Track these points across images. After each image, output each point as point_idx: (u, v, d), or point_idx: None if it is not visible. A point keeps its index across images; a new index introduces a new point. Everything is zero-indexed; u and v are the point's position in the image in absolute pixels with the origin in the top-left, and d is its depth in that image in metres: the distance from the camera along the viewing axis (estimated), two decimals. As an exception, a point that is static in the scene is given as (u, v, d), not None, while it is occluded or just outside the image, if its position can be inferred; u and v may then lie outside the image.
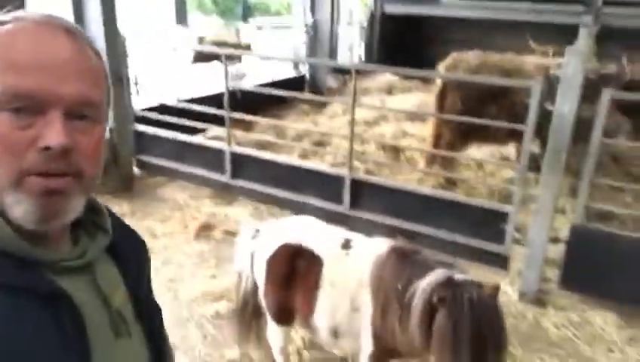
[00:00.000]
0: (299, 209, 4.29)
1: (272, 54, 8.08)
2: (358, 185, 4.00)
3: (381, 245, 2.11)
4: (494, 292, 1.70)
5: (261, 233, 2.41)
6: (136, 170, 5.11)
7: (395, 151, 6.01)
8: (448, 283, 1.72)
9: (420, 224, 3.84)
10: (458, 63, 5.19)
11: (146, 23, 8.92)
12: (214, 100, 4.97)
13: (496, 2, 9.38)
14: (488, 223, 3.59)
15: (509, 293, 3.53)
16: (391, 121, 7.37)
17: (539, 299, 3.44)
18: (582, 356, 3.01)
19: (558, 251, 3.59)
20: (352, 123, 3.99)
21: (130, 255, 0.86)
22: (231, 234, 4.08)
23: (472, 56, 5.26)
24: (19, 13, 0.69)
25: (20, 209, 0.66)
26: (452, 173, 5.06)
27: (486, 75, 4.81)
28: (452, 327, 1.59)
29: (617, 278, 3.26)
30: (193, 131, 4.96)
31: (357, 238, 2.27)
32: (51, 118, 0.66)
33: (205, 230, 4.08)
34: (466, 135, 5.07)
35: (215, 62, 5.88)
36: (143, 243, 0.96)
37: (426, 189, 4.01)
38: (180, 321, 3.04)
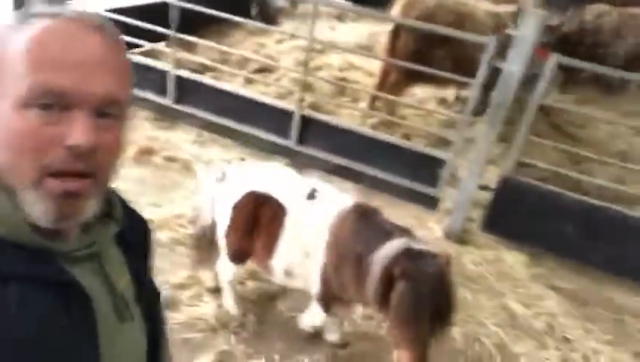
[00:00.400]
0: (244, 139, 4.28)
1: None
2: (306, 121, 4.03)
3: (345, 201, 2.20)
4: (448, 261, 1.83)
5: (228, 177, 2.43)
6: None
7: (341, 85, 6.00)
8: (408, 254, 1.81)
9: (361, 163, 3.99)
10: (414, 4, 5.15)
11: None
12: (154, 11, 4.56)
13: None
14: (424, 166, 3.80)
15: (435, 231, 3.84)
16: (339, 51, 7.27)
17: (461, 238, 3.77)
18: (493, 290, 3.39)
19: (484, 196, 3.89)
20: (309, 57, 3.93)
21: (135, 239, 0.88)
22: (172, 160, 4.03)
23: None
24: (53, 9, 0.70)
25: (38, 208, 0.68)
26: (393, 112, 5.20)
27: (441, 19, 4.82)
28: (413, 300, 1.70)
29: (531, 225, 3.63)
30: (130, 46, 4.64)
31: (323, 190, 2.32)
32: (78, 116, 0.67)
33: (145, 154, 3.99)
34: (413, 77, 5.15)
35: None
36: (147, 227, 0.98)
37: (368, 130, 4.12)
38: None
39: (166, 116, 4.55)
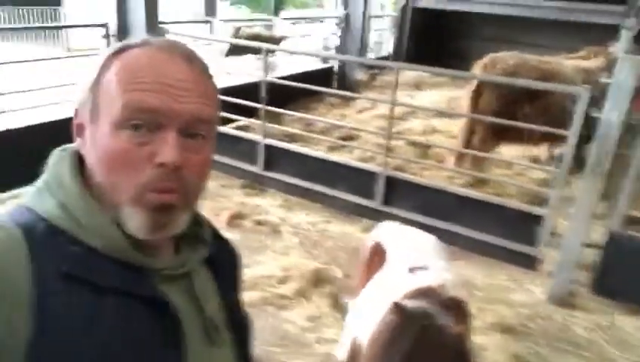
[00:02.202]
0: (329, 202, 4.35)
1: (305, 50, 8.10)
2: (391, 182, 4.03)
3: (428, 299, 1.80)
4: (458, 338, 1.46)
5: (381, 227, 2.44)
6: (169, 158, 5.21)
7: (424, 147, 6.01)
8: (421, 295, 1.61)
9: (451, 223, 3.86)
10: (495, 63, 5.15)
11: (176, 12, 9.05)
12: (245, 91, 5.00)
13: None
14: (521, 224, 3.59)
15: (536, 294, 3.54)
16: (419, 116, 7.36)
17: (567, 302, 3.43)
18: (610, 359, 3.01)
19: (590, 255, 3.57)
20: (391, 120, 4.02)
21: (225, 266, 0.91)
22: (261, 224, 4.17)
23: (509, 57, 5.22)
24: (146, 38, 0.76)
25: (135, 221, 0.71)
26: (482, 171, 5.05)
27: (524, 77, 4.76)
28: (388, 342, 1.47)
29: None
30: (224, 121, 5.02)
31: (428, 272, 2.00)
32: (167, 136, 0.70)
33: (237, 219, 4.16)
34: (499, 134, 5.05)
35: (248, 54, 5.95)
36: (237, 255, 1.00)
37: (459, 189, 4.02)
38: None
39: (256, 183, 4.77)
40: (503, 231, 3.68)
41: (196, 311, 0.79)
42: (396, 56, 10.23)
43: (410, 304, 1.54)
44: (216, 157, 4.74)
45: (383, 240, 2.26)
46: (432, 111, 7.05)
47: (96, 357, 0.65)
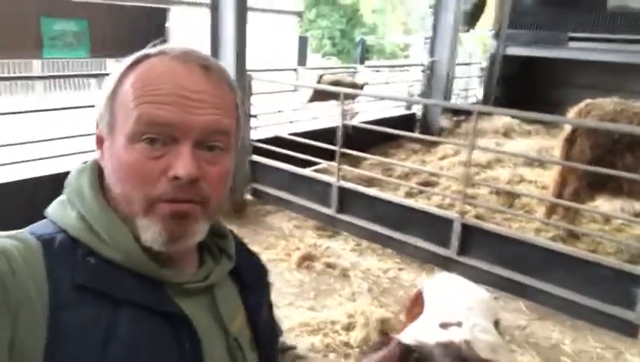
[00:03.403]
0: (401, 249, 4.20)
1: (386, 94, 8.18)
2: (468, 230, 3.81)
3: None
4: None
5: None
6: (249, 197, 5.39)
7: (510, 197, 5.67)
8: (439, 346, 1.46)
9: (534, 278, 3.54)
10: (591, 109, 4.81)
11: (270, 63, 9.62)
12: (326, 135, 5.11)
13: (627, 45, 8.66)
14: (617, 285, 3.19)
15: (638, 367, 3.08)
16: (507, 165, 7.01)
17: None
18: None
19: None
20: (469, 164, 3.85)
21: (252, 279, 0.88)
22: (331, 267, 4.10)
23: (607, 103, 4.85)
24: (162, 47, 0.74)
25: (150, 232, 0.70)
26: (575, 225, 4.63)
27: (625, 122, 4.38)
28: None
29: None
30: (305, 164, 5.12)
31: (460, 329, 1.84)
32: (181, 149, 0.69)
33: (307, 260, 4.13)
34: (595, 186, 4.64)
35: (330, 100, 6.10)
36: (264, 267, 0.97)
37: (546, 241, 3.69)
38: (275, 348, 3.07)
39: (329, 225, 4.74)
40: (596, 291, 3.29)
41: (219, 328, 0.77)
42: (484, 103, 9.97)
43: (412, 342, 1.42)
44: (292, 198, 4.85)
45: (426, 290, 2.11)
46: (518, 157, 6.69)
47: None
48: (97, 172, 0.77)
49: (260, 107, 5.67)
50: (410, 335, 1.89)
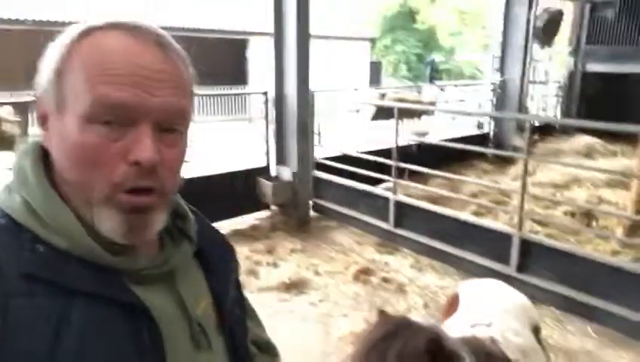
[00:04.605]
0: (460, 265, 4.12)
1: (450, 109, 8.08)
2: (528, 246, 3.67)
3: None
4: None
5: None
6: (312, 212, 5.56)
7: (587, 218, 5.34)
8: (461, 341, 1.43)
9: (602, 299, 3.33)
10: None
11: (343, 85, 9.88)
12: (388, 154, 5.15)
13: None
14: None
15: None
16: (586, 186, 6.61)
17: None
18: None
19: None
20: (525, 175, 3.75)
21: (217, 261, 0.84)
22: (388, 281, 4.12)
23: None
24: (111, 19, 0.68)
25: (108, 224, 0.67)
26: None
27: None
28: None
29: None
30: (369, 181, 5.18)
31: (489, 329, 1.81)
32: (141, 132, 0.65)
33: (364, 274, 4.19)
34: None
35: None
36: (231, 248, 0.93)
37: (613, 259, 3.47)
38: (325, 355, 3.15)
39: (388, 241, 4.77)
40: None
41: (182, 314, 0.73)
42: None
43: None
44: (354, 214, 4.95)
45: (462, 292, 2.10)
46: (599, 178, 6.29)
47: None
48: (41, 153, 0.71)
49: (324, 126, 5.87)
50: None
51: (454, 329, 1.86)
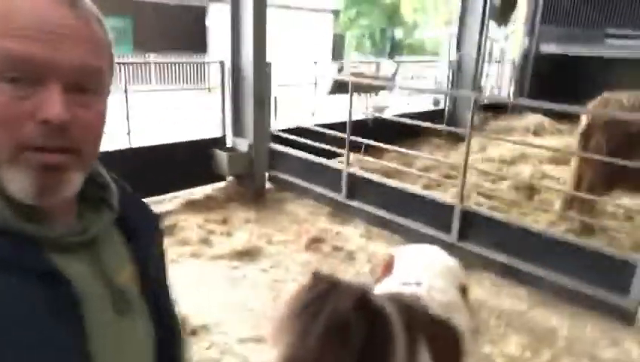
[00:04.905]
0: (407, 234, 4.31)
1: (404, 85, 8.23)
2: (468, 217, 3.89)
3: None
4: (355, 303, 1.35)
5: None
6: (268, 184, 5.63)
7: (530, 191, 5.65)
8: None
9: (534, 265, 3.59)
10: (608, 103, 4.76)
11: (305, 57, 9.85)
12: (344, 127, 5.26)
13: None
14: (615, 273, 3.21)
15: (632, 353, 3.08)
16: (532, 162, 6.94)
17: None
18: None
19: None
20: (467, 149, 3.93)
21: (140, 230, 0.83)
22: (338, 250, 4.27)
23: (625, 96, 4.79)
24: None
25: (17, 184, 0.64)
26: (591, 218, 4.59)
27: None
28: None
29: None
30: (325, 154, 5.28)
31: (418, 287, 1.96)
32: (50, 90, 0.63)
33: (315, 243, 4.32)
34: (611, 179, 4.59)
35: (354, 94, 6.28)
36: (155, 217, 0.91)
37: (544, 228, 3.73)
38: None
39: (340, 211, 4.91)
40: (594, 278, 3.31)
41: (104, 283, 0.72)
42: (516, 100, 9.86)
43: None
44: (309, 186, 5.05)
45: (397, 256, 2.26)
46: (541, 153, 6.62)
47: None
48: None
49: (281, 99, 5.90)
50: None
51: (387, 288, 2.01)
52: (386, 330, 1.40)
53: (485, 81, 9.26)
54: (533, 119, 8.92)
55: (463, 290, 2.19)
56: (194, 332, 3.03)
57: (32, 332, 0.60)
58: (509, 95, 10.07)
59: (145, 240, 0.83)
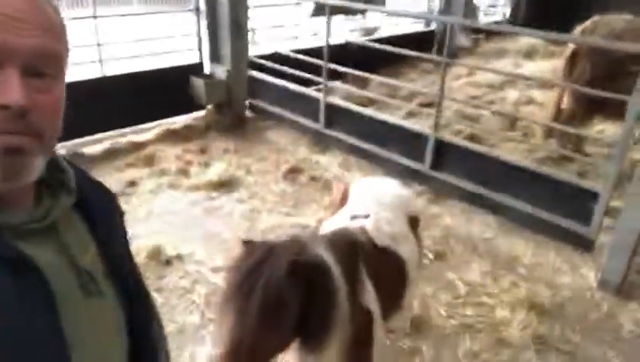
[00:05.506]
0: (383, 164, 4.34)
1: (395, 10, 7.89)
2: (442, 146, 3.90)
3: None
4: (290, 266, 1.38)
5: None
6: (248, 113, 5.57)
7: (512, 119, 5.61)
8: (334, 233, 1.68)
9: (502, 194, 3.65)
10: (597, 26, 4.60)
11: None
12: (330, 53, 5.06)
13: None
14: (575, 201, 3.28)
15: (588, 279, 3.24)
16: (518, 87, 6.82)
17: (621, 291, 3.10)
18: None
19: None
20: (443, 80, 3.86)
21: (100, 211, 0.84)
22: (315, 179, 4.32)
23: (616, 20, 4.61)
24: None
25: None
26: (574, 148, 4.60)
27: (633, 41, 4.15)
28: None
29: None
30: (306, 82, 5.14)
31: (365, 220, 2.02)
32: (8, 75, 0.62)
33: (293, 173, 4.36)
34: (591, 107, 4.55)
35: (339, 16, 5.98)
36: (113, 197, 0.93)
37: (510, 158, 3.75)
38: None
39: (319, 141, 4.91)
40: (558, 207, 3.39)
41: (69, 264, 0.73)
42: (513, 21, 9.46)
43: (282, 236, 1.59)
44: (288, 115, 5.00)
45: (352, 188, 2.30)
46: (528, 79, 6.49)
47: None
48: None
49: (260, 22, 5.67)
50: (323, 226, 2.12)
51: (335, 222, 2.07)
52: (324, 285, 1.44)
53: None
54: (526, 41, 8.64)
55: (415, 221, 2.25)
56: (168, 262, 3.15)
57: (11, 318, 0.62)
58: (504, 15, 9.68)
59: (105, 221, 0.84)
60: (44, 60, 0.66)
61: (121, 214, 0.93)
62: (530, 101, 6.35)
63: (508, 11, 9.66)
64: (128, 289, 0.84)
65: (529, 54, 8.45)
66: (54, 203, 0.75)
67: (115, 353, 0.81)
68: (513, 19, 9.49)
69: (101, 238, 0.81)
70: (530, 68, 7.67)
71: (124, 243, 0.92)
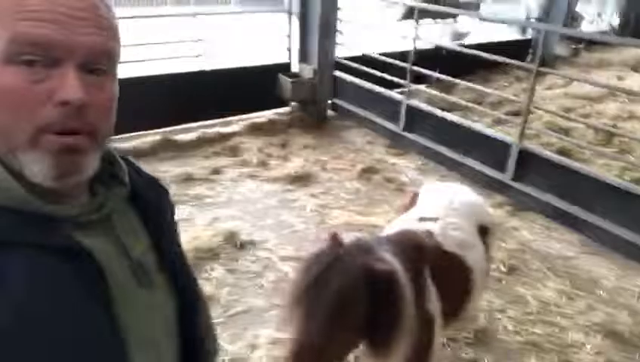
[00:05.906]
0: (461, 171, 4.25)
1: (485, 15, 7.63)
2: (526, 157, 3.74)
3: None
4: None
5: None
6: (330, 111, 5.69)
7: (609, 134, 5.22)
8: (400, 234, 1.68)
9: (589, 212, 3.44)
10: None
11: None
12: (417, 56, 5.03)
13: None
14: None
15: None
16: (621, 101, 6.33)
17: None
18: None
19: None
20: (532, 87, 3.70)
21: (152, 204, 0.85)
22: (390, 181, 4.32)
23: None
24: None
25: (37, 167, 0.65)
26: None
27: None
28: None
29: None
30: (390, 85, 5.13)
31: (433, 224, 2.02)
32: (66, 72, 0.63)
33: (368, 172, 4.40)
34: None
35: (429, 20, 5.93)
36: (165, 191, 0.93)
37: (601, 173, 3.51)
38: (319, 240, 3.48)
39: (398, 143, 4.90)
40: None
41: (122, 254, 0.75)
42: (622, 31, 8.79)
43: (349, 237, 1.55)
44: (369, 115, 5.06)
45: (422, 191, 2.29)
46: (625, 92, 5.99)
47: (13, 319, 0.58)
48: None
49: (349, 24, 5.75)
50: (391, 226, 2.15)
51: (403, 224, 2.08)
52: (393, 292, 1.44)
53: (583, 6, 8.32)
54: (634, 53, 7.99)
55: (485, 230, 2.21)
56: (242, 246, 3.32)
57: (64, 311, 0.63)
58: (610, 25, 9.00)
59: (157, 214, 0.85)
60: (99, 58, 0.67)
61: (172, 208, 0.93)
62: (631, 116, 5.89)
63: (616, 21, 8.97)
64: (180, 283, 0.85)
65: (636, 67, 7.81)
66: (108, 195, 0.77)
67: (167, 342, 0.83)
68: (621, 30, 8.80)
69: (152, 230, 0.82)
70: (636, 81, 7.09)
71: (177, 240, 0.92)
